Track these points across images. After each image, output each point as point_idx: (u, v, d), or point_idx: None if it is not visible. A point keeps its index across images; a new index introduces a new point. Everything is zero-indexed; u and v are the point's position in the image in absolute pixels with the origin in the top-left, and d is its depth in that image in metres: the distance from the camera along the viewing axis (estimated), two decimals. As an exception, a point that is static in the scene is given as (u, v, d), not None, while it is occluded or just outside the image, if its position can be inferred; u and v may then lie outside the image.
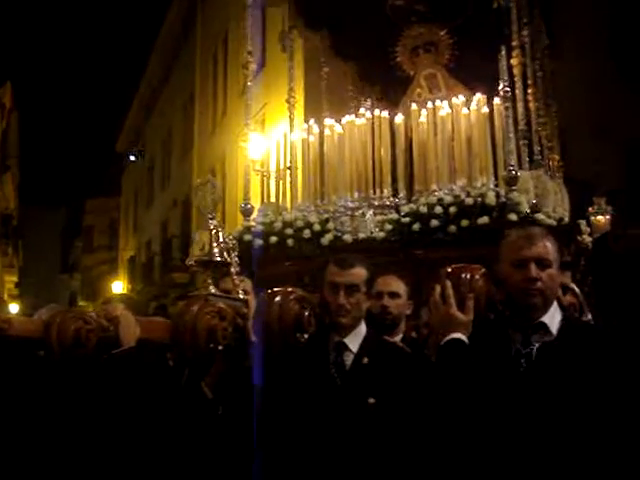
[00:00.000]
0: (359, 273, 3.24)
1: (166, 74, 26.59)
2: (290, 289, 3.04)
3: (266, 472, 3.09)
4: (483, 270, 2.80)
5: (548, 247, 2.70)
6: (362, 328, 3.26)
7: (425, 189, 6.32)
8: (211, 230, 2.92)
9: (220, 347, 2.91)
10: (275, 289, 3.04)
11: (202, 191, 2.91)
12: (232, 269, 2.96)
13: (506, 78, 5.71)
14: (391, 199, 6.48)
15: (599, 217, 9.60)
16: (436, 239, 5.68)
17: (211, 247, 2.98)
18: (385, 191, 6.50)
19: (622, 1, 15.49)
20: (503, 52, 5.66)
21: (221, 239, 2.87)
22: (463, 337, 2.67)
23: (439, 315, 2.73)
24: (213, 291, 2.92)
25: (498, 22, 6.03)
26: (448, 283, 2.73)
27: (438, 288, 2.75)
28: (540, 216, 5.43)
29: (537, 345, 2.60)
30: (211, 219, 2.87)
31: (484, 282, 2.76)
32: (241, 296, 3.06)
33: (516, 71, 6.51)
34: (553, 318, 2.67)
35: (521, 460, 2.48)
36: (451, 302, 2.71)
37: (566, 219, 6.22)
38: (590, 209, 9.37)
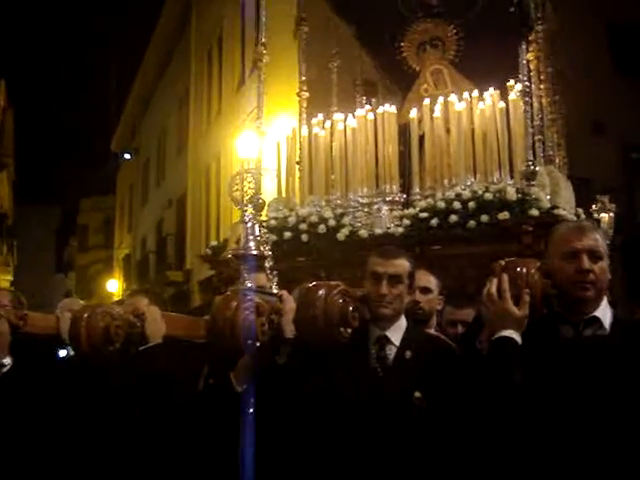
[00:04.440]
0: (403, 264, 3.21)
1: (161, 72, 26.50)
2: (333, 283, 2.95)
3: (302, 468, 3.03)
4: (538, 264, 2.71)
5: (599, 239, 2.65)
6: (403, 321, 3.22)
7: (440, 184, 6.26)
8: (246, 223, 2.83)
9: (258, 343, 2.82)
10: (317, 283, 2.95)
11: (237, 183, 2.82)
12: (266, 263, 2.87)
13: (525, 73, 5.64)
14: (399, 194, 6.42)
15: (602, 214, 9.60)
16: (454, 235, 5.61)
17: (247, 240, 2.90)
18: (394, 187, 6.44)
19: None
20: (523, 46, 5.58)
21: (257, 232, 2.78)
22: (516, 335, 2.57)
23: (494, 309, 2.63)
24: (250, 286, 2.83)
25: (515, 16, 5.95)
26: (505, 277, 2.63)
27: (494, 281, 2.65)
28: (561, 211, 5.37)
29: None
30: (247, 211, 2.78)
31: (539, 277, 2.65)
32: (275, 291, 2.97)
33: (532, 66, 6.46)
34: (605, 313, 2.61)
35: (577, 459, 2.40)
36: (507, 297, 2.61)
37: (582, 215, 6.16)
38: (594, 206, 9.36)
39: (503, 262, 2.74)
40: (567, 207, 6.23)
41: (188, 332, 3.54)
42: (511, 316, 2.59)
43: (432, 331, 3.91)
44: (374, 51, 8.45)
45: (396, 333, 3.16)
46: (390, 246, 3.50)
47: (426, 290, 3.95)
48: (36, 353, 3.73)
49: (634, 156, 15.74)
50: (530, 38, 6.27)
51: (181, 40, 23.80)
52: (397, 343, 3.14)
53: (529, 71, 6.17)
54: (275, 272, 3.20)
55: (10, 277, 31.19)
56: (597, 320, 2.59)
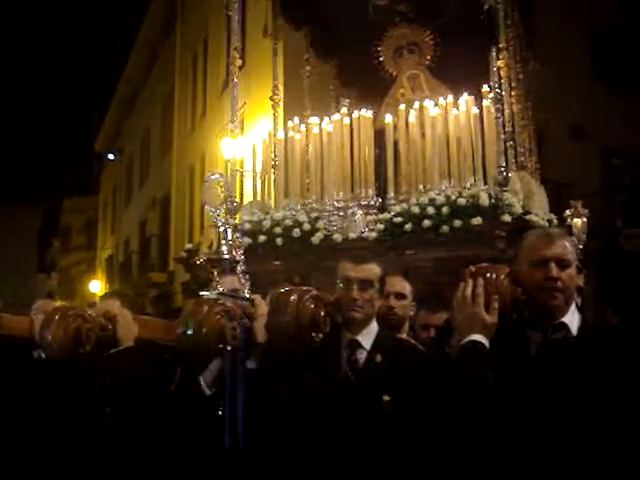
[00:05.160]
0: (373, 269, 3.25)
1: (145, 73, 26.43)
2: (305, 288, 3.01)
3: (272, 471, 3.08)
4: (508, 270, 2.73)
5: (567, 247, 2.68)
6: (374, 325, 3.26)
7: (415, 189, 6.32)
8: (219, 227, 2.88)
9: (229, 348, 2.87)
10: (289, 288, 3.01)
11: (210, 187, 2.87)
12: (239, 267, 2.92)
13: (496, 79, 5.72)
14: (374, 199, 6.47)
15: (576, 220, 9.67)
16: (427, 239, 5.68)
17: (219, 245, 2.95)
18: (370, 191, 6.49)
19: (602, 2, 15.62)
20: (493, 53, 5.66)
21: (229, 237, 2.83)
22: (484, 339, 2.59)
23: (465, 313, 2.64)
24: (221, 290, 2.88)
25: (484, 24, 6.03)
26: (480, 282, 2.64)
27: (469, 285, 2.66)
28: (533, 217, 5.46)
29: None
30: (219, 216, 2.83)
31: (509, 283, 2.68)
32: (247, 295, 3.02)
33: (502, 73, 6.53)
34: (573, 318, 2.65)
35: (542, 462, 2.40)
36: (479, 302, 2.63)
37: (555, 221, 6.25)
38: (567, 212, 9.45)
39: (473, 268, 2.76)
40: (540, 212, 6.32)
41: (161, 335, 3.58)
42: (481, 321, 2.61)
43: (404, 336, 3.97)
44: (348, 56, 8.48)
45: (367, 337, 3.20)
46: (361, 251, 3.55)
47: (400, 296, 3.96)
48: (10, 355, 3.74)
49: (615, 162, 15.84)
50: (500, 45, 6.34)
51: (166, 41, 23.77)
52: (368, 347, 3.17)
53: (499, 78, 6.25)
54: (248, 276, 3.25)
55: (-9, 277, 30.94)
56: (564, 326, 2.63)
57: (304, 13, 8.05)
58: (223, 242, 2.95)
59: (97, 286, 29.25)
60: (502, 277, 2.70)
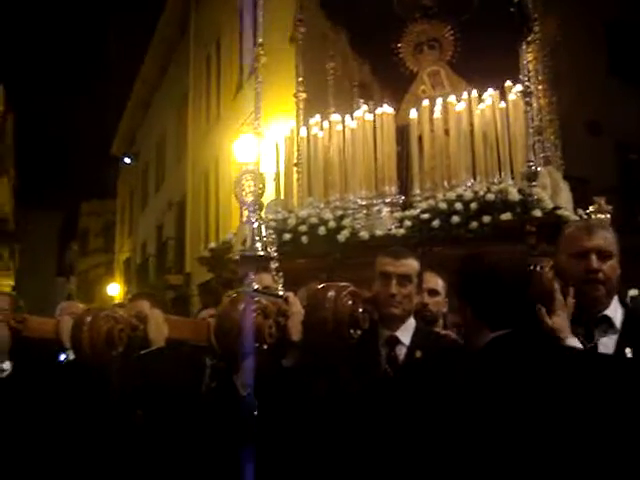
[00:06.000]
0: (412, 264, 3.21)
1: (160, 77, 26.53)
2: (342, 284, 2.93)
3: (306, 472, 3.01)
4: (552, 262, 2.68)
5: (608, 238, 2.64)
6: (412, 321, 3.21)
7: (439, 185, 6.25)
8: (253, 224, 2.81)
9: (265, 346, 2.80)
10: (326, 284, 2.93)
11: (243, 182, 2.80)
12: (272, 264, 2.86)
13: (525, 73, 5.64)
14: (398, 196, 6.41)
15: (600, 216, 9.58)
16: (456, 236, 5.59)
17: (253, 241, 2.89)
18: (393, 188, 6.43)
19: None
20: (524, 47, 5.58)
21: (264, 233, 2.77)
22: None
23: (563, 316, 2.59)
24: (256, 287, 2.81)
25: (514, 17, 5.94)
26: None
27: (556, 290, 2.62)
28: (564, 212, 5.36)
29: (601, 339, 2.52)
30: (253, 212, 2.77)
31: (554, 275, 2.62)
32: (280, 293, 2.95)
33: (531, 67, 6.45)
34: (616, 312, 2.60)
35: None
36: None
37: (584, 216, 6.15)
38: (591, 208, 9.35)
39: None
40: (567, 207, 6.23)
41: (191, 335, 3.53)
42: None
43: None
44: (369, 53, 8.42)
45: (406, 333, 3.16)
46: (398, 246, 3.49)
47: (434, 292, 3.93)
48: (36, 357, 3.71)
49: (632, 157, 15.70)
50: (529, 39, 6.26)
51: (180, 45, 23.85)
52: (407, 343, 3.13)
53: (529, 72, 6.17)
54: (281, 273, 3.19)
55: (11, 281, 31.22)
56: (607, 319, 2.58)
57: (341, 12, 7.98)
58: (257, 239, 2.89)
59: (115, 289, 29.39)
60: (547, 269, 2.63)
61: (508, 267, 2.38)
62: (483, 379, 2.25)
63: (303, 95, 7.46)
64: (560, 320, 2.56)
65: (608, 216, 9.48)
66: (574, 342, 2.52)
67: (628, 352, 2.50)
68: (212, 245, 7.22)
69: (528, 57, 6.25)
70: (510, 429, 2.13)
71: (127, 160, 30.71)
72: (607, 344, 2.56)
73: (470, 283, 2.43)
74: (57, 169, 40.55)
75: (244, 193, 2.81)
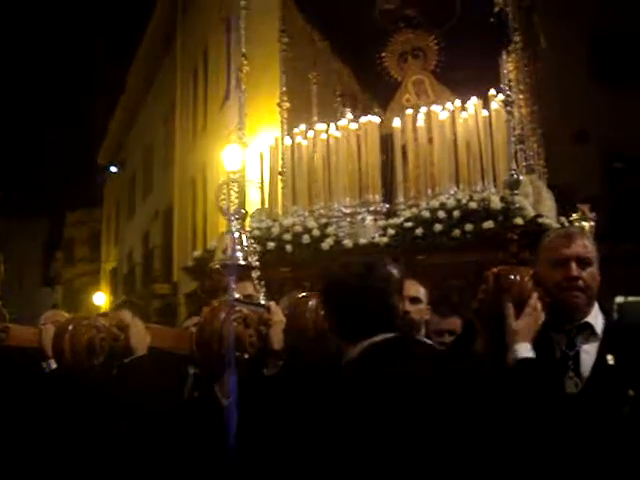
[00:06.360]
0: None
1: (147, 87, 26.57)
2: None
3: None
4: (531, 272, 2.69)
5: (587, 246, 2.64)
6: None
7: (424, 194, 6.27)
8: (234, 233, 2.83)
9: (246, 355, 2.82)
10: (307, 293, 2.96)
11: (225, 192, 2.82)
12: (253, 274, 2.87)
13: (506, 82, 5.68)
14: (382, 204, 6.42)
15: (583, 223, 9.63)
16: (438, 244, 5.62)
17: (234, 250, 2.90)
18: (377, 197, 6.45)
19: (603, 2, 15.60)
20: (504, 56, 5.62)
21: (245, 242, 2.78)
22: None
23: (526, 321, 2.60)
24: (238, 296, 2.82)
25: (494, 26, 5.98)
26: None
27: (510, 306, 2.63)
28: (546, 220, 5.38)
29: (583, 346, 2.54)
30: (234, 221, 2.78)
31: (532, 284, 2.64)
32: (262, 302, 2.97)
33: (512, 76, 6.48)
34: (597, 319, 2.61)
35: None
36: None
37: (566, 224, 6.19)
38: (575, 215, 9.41)
39: (495, 270, 2.73)
40: (550, 216, 6.27)
41: (173, 344, 3.53)
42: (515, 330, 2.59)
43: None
44: (353, 62, 8.46)
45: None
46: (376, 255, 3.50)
47: (415, 300, 3.91)
48: (19, 366, 3.71)
49: (617, 165, 15.80)
50: (509, 48, 6.30)
51: (167, 55, 23.92)
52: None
53: (509, 81, 6.21)
54: (262, 282, 3.20)
55: (-4, 291, 30.90)
56: (589, 326, 2.59)
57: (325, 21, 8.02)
58: (238, 248, 2.90)
59: (101, 298, 29.26)
60: (526, 279, 2.65)
61: (348, 282, 2.52)
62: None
63: (287, 105, 7.47)
64: (522, 324, 2.57)
65: (592, 224, 9.55)
66: (523, 348, 2.53)
67: (610, 359, 2.51)
68: (196, 254, 7.20)
69: (509, 67, 6.28)
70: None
71: (113, 169, 30.66)
72: (589, 351, 2.56)
73: (325, 302, 2.57)
74: (42, 178, 40.41)
75: (223, 203, 2.82)
